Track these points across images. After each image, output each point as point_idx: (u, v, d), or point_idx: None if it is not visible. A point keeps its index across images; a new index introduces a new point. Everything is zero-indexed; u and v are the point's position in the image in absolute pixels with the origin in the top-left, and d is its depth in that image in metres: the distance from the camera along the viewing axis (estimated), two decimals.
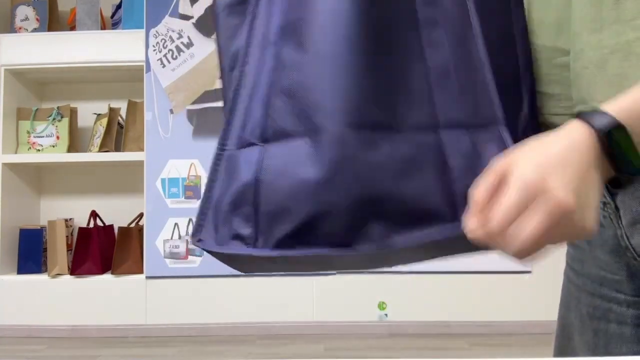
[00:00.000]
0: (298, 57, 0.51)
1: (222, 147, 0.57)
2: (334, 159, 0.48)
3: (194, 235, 0.55)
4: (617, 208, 0.59)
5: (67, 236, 2.77)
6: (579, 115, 0.48)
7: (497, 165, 0.47)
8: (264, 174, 0.51)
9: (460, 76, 0.52)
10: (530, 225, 0.44)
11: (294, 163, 0.50)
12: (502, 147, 0.51)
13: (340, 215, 0.48)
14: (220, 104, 2.74)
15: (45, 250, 2.80)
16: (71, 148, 2.85)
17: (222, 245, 0.52)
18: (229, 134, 0.56)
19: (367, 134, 0.49)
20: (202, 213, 0.56)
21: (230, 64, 0.58)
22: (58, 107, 2.87)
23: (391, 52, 0.51)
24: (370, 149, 0.49)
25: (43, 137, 2.84)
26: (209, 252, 0.53)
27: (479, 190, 0.47)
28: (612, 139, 0.46)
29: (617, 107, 0.47)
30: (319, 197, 0.49)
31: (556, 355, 0.71)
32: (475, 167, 0.50)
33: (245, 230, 0.51)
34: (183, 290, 2.68)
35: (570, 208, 0.44)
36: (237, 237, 0.51)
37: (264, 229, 0.50)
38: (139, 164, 2.75)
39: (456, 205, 0.49)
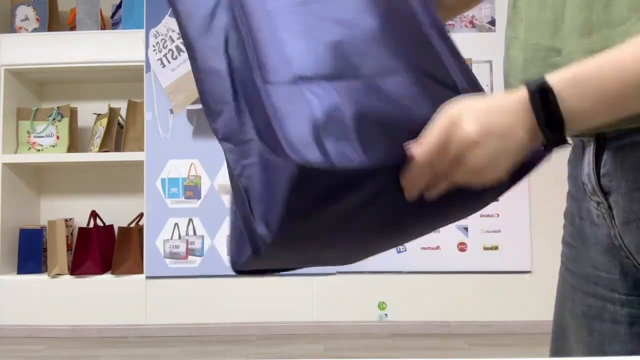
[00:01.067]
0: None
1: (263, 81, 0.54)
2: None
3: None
4: (610, 207, 0.59)
5: (67, 236, 2.77)
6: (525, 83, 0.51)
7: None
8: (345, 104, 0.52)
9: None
10: (442, 162, 0.51)
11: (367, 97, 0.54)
12: None
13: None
14: None
15: (45, 250, 2.80)
16: (71, 148, 2.85)
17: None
18: (265, 68, 0.54)
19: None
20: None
21: (203, 26, 0.59)
22: (58, 107, 2.87)
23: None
24: None
25: (43, 137, 2.84)
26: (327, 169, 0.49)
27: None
28: (541, 100, 0.49)
29: (557, 75, 0.50)
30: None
31: (552, 355, 0.71)
32: None
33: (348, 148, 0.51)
34: (183, 290, 2.68)
35: (471, 137, 0.50)
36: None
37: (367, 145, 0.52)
38: (139, 164, 2.75)
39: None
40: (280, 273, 0.68)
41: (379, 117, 0.52)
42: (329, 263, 0.67)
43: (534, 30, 0.62)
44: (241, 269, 0.61)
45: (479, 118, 0.50)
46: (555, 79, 0.49)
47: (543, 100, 0.49)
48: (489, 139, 0.50)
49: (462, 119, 0.50)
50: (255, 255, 0.56)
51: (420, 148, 0.51)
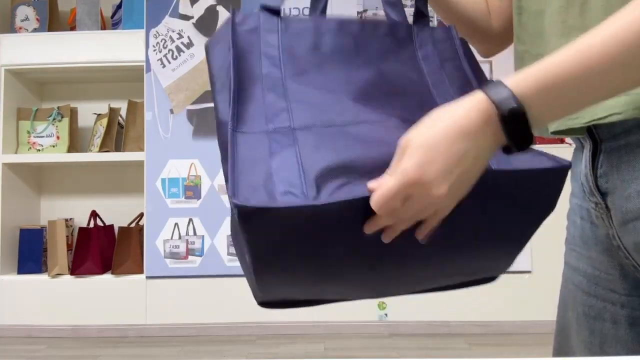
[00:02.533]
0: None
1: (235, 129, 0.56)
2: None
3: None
4: (607, 208, 0.59)
5: (67, 236, 2.77)
6: (483, 87, 0.49)
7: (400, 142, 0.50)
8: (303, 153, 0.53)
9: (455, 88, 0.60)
10: (407, 212, 0.49)
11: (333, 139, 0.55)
12: None
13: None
14: None
15: (45, 250, 2.80)
16: (71, 148, 2.85)
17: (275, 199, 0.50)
18: (244, 119, 0.56)
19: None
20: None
21: (221, 81, 0.62)
22: (58, 107, 2.87)
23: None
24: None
25: (43, 137, 2.84)
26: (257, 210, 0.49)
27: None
28: (510, 115, 0.47)
29: (520, 80, 0.48)
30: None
31: (555, 355, 0.71)
32: None
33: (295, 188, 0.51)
34: (183, 290, 2.68)
35: (441, 199, 0.48)
36: (289, 193, 0.50)
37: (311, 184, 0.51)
38: (139, 164, 2.75)
39: None
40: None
41: (340, 158, 0.52)
42: (350, 298, 0.65)
43: (523, 39, 0.63)
44: (262, 301, 0.61)
45: (440, 157, 0.47)
46: (521, 90, 0.47)
47: (514, 119, 0.47)
48: (451, 177, 0.48)
49: (423, 162, 0.47)
50: (257, 286, 0.56)
51: (377, 194, 0.49)
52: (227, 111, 0.57)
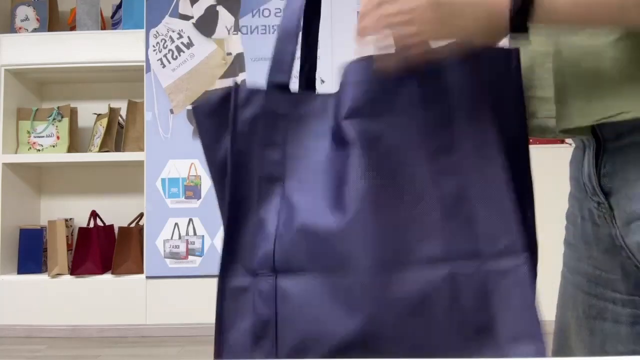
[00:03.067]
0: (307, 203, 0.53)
1: (225, 274, 0.57)
2: (358, 297, 0.50)
3: None
4: (611, 208, 0.59)
5: (67, 236, 2.77)
6: None
7: None
8: (281, 308, 0.52)
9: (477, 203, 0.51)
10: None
11: (312, 299, 0.51)
12: (522, 277, 0.50)
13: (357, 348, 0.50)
14: None
15: (45, 250, 2.80)
16: (71, 148, 2.85)
17: None
18: (231, 262, 0.57)
19: (384, 274, 0.50)
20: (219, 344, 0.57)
21: (218, 174, 0.58)
22: (58, 107, 2.87)
23: (403, 186, 0.51)
24: (387, 289, 0.50)
25: (43, 137, 2.84)
26: None
27: None
28: None
29: None
30: (343, 331, 0.50)
31: (554, 355, 0.71)
32: (488, 301, 0.50)
33: None
34: (183, 290, 2.68)
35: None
36: None
37: None
38: (139, 164, 2.75)
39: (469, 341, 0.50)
40: None
41: (316, 332, 0.51)
42: None
43: (536, 38, 0.63)
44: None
45: None
46: None
47: None
48: None
49: None
50: None
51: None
52: (226, 204, 0.57)
